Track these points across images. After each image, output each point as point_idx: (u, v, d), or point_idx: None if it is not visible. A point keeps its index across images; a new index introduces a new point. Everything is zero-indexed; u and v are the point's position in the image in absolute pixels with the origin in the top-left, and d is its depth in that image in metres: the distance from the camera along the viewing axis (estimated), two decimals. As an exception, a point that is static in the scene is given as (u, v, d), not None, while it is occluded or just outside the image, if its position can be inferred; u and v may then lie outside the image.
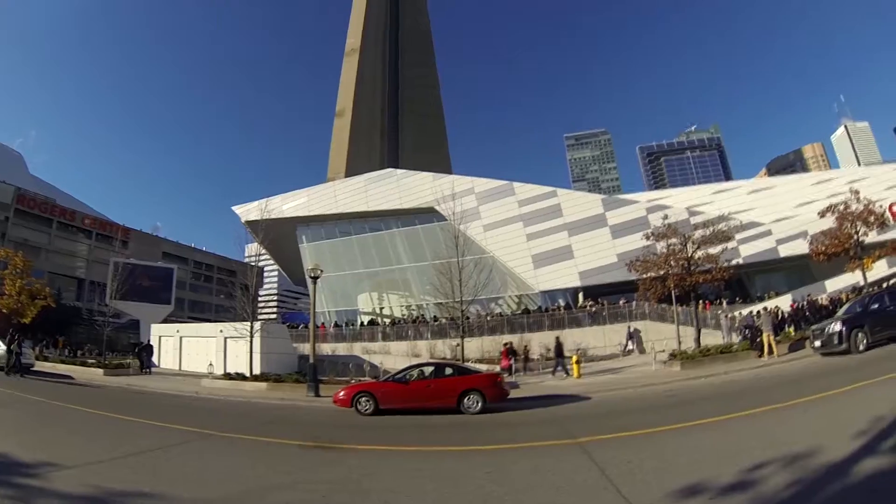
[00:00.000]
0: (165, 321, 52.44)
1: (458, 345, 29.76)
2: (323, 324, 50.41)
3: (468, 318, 32.87)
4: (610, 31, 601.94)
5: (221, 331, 36.03)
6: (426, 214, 48.85)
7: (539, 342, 37.92)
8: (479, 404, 16.25)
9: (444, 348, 33.85)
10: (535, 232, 48.30)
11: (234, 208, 55.89)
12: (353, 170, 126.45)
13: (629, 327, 37.35)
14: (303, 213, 55.09)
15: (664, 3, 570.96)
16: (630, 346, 36.51)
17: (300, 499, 7.20)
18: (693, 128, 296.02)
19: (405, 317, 50.36)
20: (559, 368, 28.62)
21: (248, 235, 44.94)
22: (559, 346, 29.94)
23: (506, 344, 30.79)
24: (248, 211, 51.38)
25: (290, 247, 56.89)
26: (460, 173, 55.68)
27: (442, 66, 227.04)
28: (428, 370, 18.39)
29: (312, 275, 27.36)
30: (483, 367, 27.59)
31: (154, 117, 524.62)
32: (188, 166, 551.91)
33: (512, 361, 30.48)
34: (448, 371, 18.22)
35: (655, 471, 7.48)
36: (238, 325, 30.59)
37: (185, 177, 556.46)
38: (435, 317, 45.41)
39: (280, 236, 50.12)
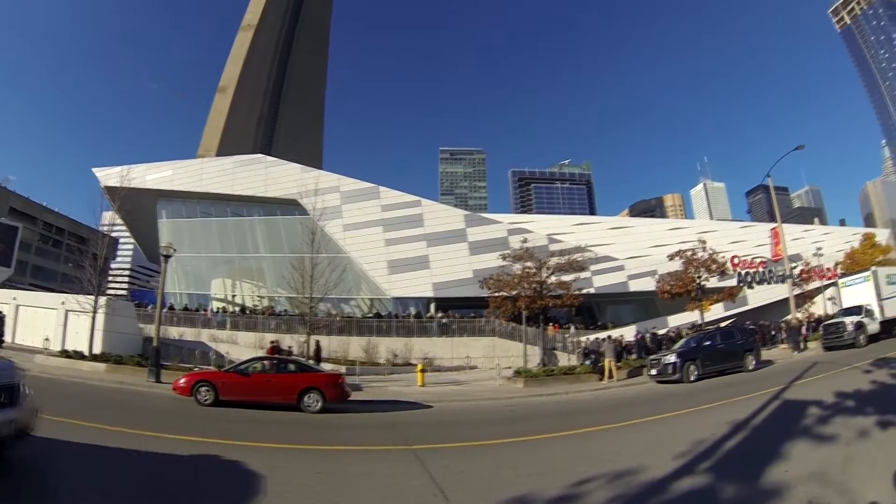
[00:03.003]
0: (2, 286, 48.04)
1: (305, 341, 29.13)
2: (173, 306, 47.97)
3: (317, 315, 32.42)
4: (506, 56, 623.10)
5: (64, 303, 33.19)
6: (289, 206, 47.85)
7: (387, 347, 38.10)
8: (319, 403, 16.17)
9: (291, 343, 33.12)
10: (394, 238, 48.30)
11: (94, 170, 51.80)
12: (224, 150, 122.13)
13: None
14: (166, 186, 52.07)
15: (559, 52, 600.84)
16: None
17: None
18: (567, 162, 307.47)
19: (256, 307, 48.97)
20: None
21: (106, 202, 42.20)
22: None
23: (273, 342, 29.49)
24: (109, 176, 47.57)
25: (149, 220, 53.84)
26: (331, 170, 54.70)
27: (332, 62, 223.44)
28: (270, 364, 18.09)
29: (165, 253, 26.24)
30: (328, 367, 27.33)
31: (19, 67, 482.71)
32: (50, 120, 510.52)
33: None
34: (290, 367, 18.07)
35: (485, 481, 7.68)
36: (82, 298, 28.26)
37: (46, 129, 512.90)
38: (285, 310, 44.52)
39: (139, 207, 47.63)
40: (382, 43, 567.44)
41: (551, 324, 41.56)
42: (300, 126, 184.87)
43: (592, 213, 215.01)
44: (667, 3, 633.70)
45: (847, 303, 34.35)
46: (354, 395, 19.03)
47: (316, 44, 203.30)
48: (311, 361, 25.49)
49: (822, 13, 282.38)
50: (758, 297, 55.53)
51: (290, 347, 30.40)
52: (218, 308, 48.54)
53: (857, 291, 34.09)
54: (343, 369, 28.79)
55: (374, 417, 16.00)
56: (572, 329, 43.78)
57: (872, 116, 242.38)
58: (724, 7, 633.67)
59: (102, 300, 29.62)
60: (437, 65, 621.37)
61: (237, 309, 49.35)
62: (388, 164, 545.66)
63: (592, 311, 51.92)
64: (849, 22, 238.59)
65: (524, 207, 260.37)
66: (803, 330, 35.71)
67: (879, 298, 31.86)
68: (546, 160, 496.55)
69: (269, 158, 54.27)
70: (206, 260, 53.08)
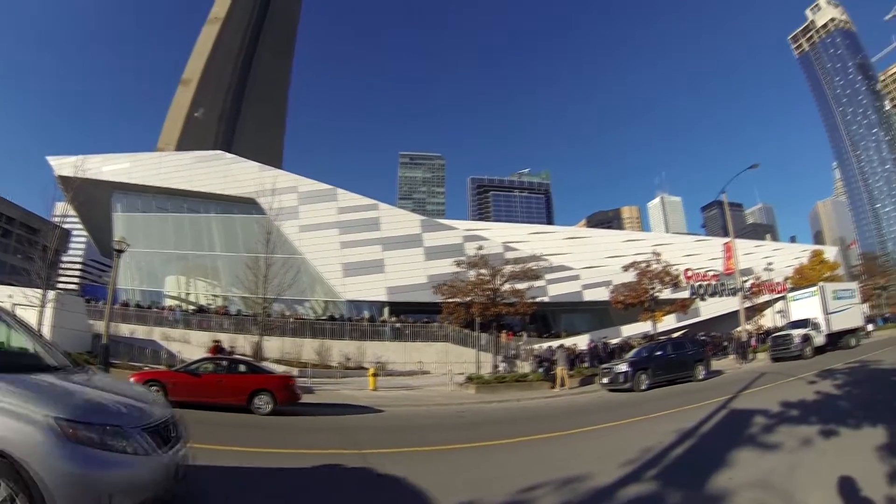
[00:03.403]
0: (-54, 277, 46.40)
1: (258, 342, 28.91)
2: (126, 302, 46.97)
3: (270, 315, 32.22)
4: (470, 64, 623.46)
5: (11, 296, 32.30)
6: (246, 205, 47.20)
7: (340, 350, 38.05)
8: (270, 406, 16.11)
9: (244, 344, 32.77)
10: (350, 241, 48.15)
11: (49, 158, 50.49)
12: (184, 144, 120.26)
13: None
14: (122, 178, 50.85)
15: (524, 63, 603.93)
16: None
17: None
18: (527, 171, 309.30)
19: (210, 306, 48.24)
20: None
21: (59, 192, 41.10)
22: None
23: (215, 341, 28.42)
24: (63, 165, 46.13)
25: (103, 213, 52.69)
26: (290, 171, 54.28)
27: (297, 61, 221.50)
28: (221, 364, 17.89)
29: (118, 247, 25.85)
30: (280, 369, 27.13)
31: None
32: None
33: None
34: (241, 368, 17.88)
35: (432, 487, 7.47)
36: (30, 291, 27.57)
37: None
38: (239, 310, 43.95)
39: (93, 199, 46.74)
40: (348, 44, 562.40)
41: (505, 331, 41.92)
42: (262, 124, 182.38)
43: (550, 222, 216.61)
44: (630, 24, 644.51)
45: (795, 316, 35.48)
46: (306, 398, 19.02)
47: (282, 41, 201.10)
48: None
49: (782, 39, 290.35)
50: (710, 309, 56.75)
51: (232, 347, 29.92)
52: (176, 306, 47.82)
53: (805, 305, 35.23)
54: (295, 371, 28.59)
55: (324, 421, 15.94)
56: (525, 337, 44.26)
57: (825, 139, 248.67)
58: (691, 27, 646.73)
59: (51, 294, 28.76)
60: (401, 69, 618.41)
61: (191, 308, 48.60)
62: (348, 167, 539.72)
63: (546, 319, 52.57)
64: (807, 49, 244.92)
65: (482, 215, 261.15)
66: (753, 341, 36.72)
67: (826, 312, 33.16)
68: (506, 168, 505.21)
69: (229, 155, 53.91)
70: (160, 256, 52.11)
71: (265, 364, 23.48)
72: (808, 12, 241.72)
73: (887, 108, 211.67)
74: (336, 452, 10.58)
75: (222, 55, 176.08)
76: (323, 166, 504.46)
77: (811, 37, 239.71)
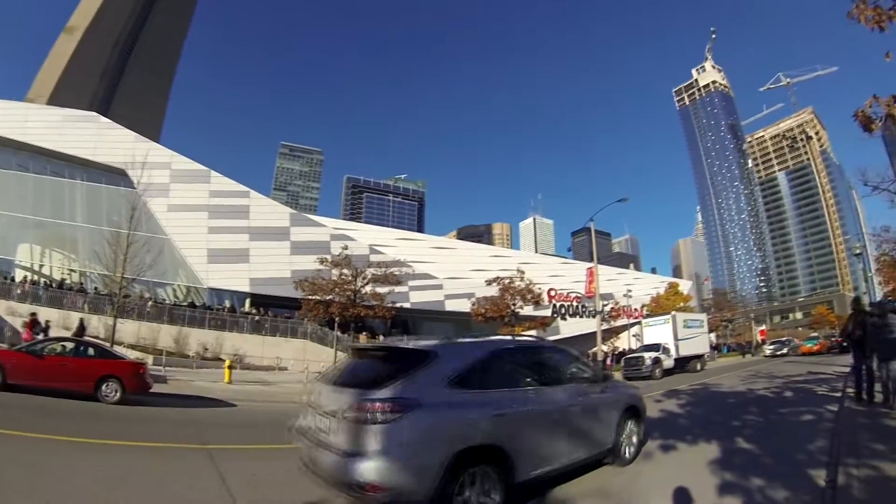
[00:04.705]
0: None
1: (112, 325, 27.35)
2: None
3: (128, 296, 31.02)
4: (363, 62, 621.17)
5: None
6: (116, 175, 45.17)
7: (198, 339, 37.05)
8: (118, 394, 15.32)
9: (98, 325, 31.29)
10: (218, 227, 47.13)
11: None
12: (58, 99, 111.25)
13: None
14: (-21, 126, 46.90)
15: (416, 67, 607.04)
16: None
17: None
18: (404, 177, 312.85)
19: (66, 281, 45.32)
20: None
21: None
22: None
23: (31, 314, 26.66)
24: None
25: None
26: (168, 146, 52.04)
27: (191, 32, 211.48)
28: (68, 346, 16.68)
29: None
30: (133, 355, 26.14)
31: None
32: None
33: (39, 336, 23.86)
34: (90, 351, 16.66)
35: (277, 486, 7.56)
36: None
37: None
38: (97, 288, 41.55)
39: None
40: (243, 24, 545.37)
41: (364, 333, 42.26)
42: (145, 91, 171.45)
43: (421, 231, 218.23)
44: (532, 39, 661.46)
45: (648, 340, 38.04)
46: (158, 388, 18.45)
47: (179, 6, 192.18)
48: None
49: (667, 90, 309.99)
50: (570, 327, 59.24)
51: (47, 322, 27.73)
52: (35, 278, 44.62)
53: (658, 331, 37.80)
54: (149, 359, 27.63)
55: (174, 413, 15.47)
56: (380, 340, 44.75)
57: (693, 185, 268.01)
58: (583, 62, 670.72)
59: None
60: (294, 58, 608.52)
61: (44, 281, 45.41)
62: (226, 148, 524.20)
63: (408, 325, 53.07)
64: (688, 103, 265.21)
65: (354, 215, 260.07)
66: (608, 361, 38.75)
67: (676, 339, 35.94)
68: (384, 171, 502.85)
69: (104, 119, 51.11)
70: (14, 220, 48.07)
71: (117, 349, 22.16)
72: (693, 71, 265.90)
73: (749, 166, 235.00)
74: (180, 447, 10.38)
75: (115, 7, 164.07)
76: (199, 143, 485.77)
77: (693, 94, 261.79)
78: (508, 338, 8.90)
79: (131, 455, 9.27)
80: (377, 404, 5.40)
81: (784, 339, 64.54)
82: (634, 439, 8.85)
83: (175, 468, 8.54)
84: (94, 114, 52.81)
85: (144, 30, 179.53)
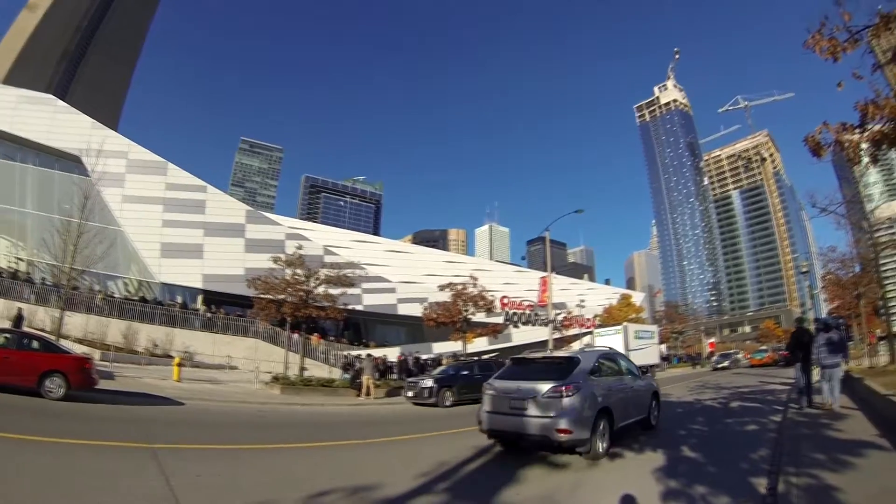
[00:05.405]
0: None
1: (59, 317, 26.55)
2: None
3: (77, 288, 30.35)
4: (326, 61, 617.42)
5: None
6: (69, 162, 44.16)
7: (148, 335, 36.45)
8: (63, 389, 14.94)
9: (45, 318, 30.47)
10: (172, 220, 46.47)
11: None
12: (15, 79, 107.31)
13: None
14: (-73, 101, 44.98)
15: (380, 69, 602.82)
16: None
17: None
18: (362, 178, 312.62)
19: (11, 269, 43.70)
20: None
21: None
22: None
23: None
24: None
25: None
26: (125, 135, 50.84)
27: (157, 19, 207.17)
28: (9, 338, 15.99)
29: None
30: (80, 349, 25.51)
31: None
32: None
33: None
34: (34, 344, 16.13)
35: (222, 488, 7.61)
36: None
37: None
38: (44, 279, 40.25)
39: None
40: (209, 15, 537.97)
41: (316, 334, 42.11)
42: (105, 77, 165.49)
43: (376, 233, 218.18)
44: (496, 48, 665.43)
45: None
46: (105, 385, 18.13)
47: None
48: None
49: (629, 106, 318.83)
50: (522, 336, 59.71)
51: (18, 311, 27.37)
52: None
53: (610, 341, 38.40)
54: (97, 354, 27.20)
55: (120, 410, 15.14)
56: (334, 342, 44.75)
57: (649, 200, 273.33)
58: (551, 76, 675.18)
59: None
60: (257, 53, 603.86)
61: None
62: (184, 140, 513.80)
63: (360, 327, 53.08)
64: (648, 119, 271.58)
65: (311, 215, 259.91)
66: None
67: (627, 349, 36.82)
68: (343, 172, 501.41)
69: (61, 103, 49.37)
70: None
71: (63, 343, 21.39)
72: (655, 89, 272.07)
73: (705, 183, 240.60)
74: (124, 446, 10.17)
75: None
76: (158, 134, 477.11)
77: (654, 110, 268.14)
78: (606, 348, 13.89)
79: (73, 453, 9.13)
80: (563, 388, 9.76)
81: (727, 352, 66.53)
82: (656, 411, 13.54)
83: (118, 467, 8.36)
84: (51, 97, 50.97)
85: (108, 14, 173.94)
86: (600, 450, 9.83)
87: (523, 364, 11.84)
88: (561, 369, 10.53)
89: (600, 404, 10.08)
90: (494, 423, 10.45)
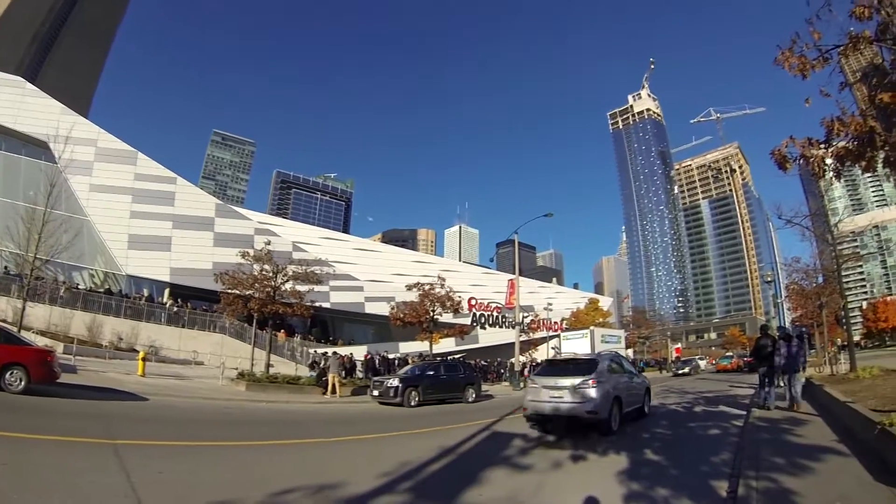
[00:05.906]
0: None
1: (21, 308, 26.16)
2: None
3: (40, 278, 29.82)
4: (302, 56, 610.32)
5: None
6: (37, 147, 43.25)
7: (112, 328, 35.84)
8: (23, 383, 14.64)
9: (7, 308, 29.92)
10: (141, 211, 45.92)
11: None
12: None
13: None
14: None
15: (362, 74, 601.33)
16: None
17: None
18: (333, 175, 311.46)
19: None
20: None
21: None
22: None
23: None
24: None
25: None
26: (96, 122, 49.89)
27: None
28: None
29: None
30: (42, 342, 24.96)
31: None
32: None
33: None
34: None
35: (184, 485, 7.55)
36: None
37: None
38: (7, 268, 39.30)
39: None
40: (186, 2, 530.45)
41: (283, 331, 41.91)
42: (79, 61, 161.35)
43: (346, 231, 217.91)
44: (471, 51, 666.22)
45: (566, 353, 38.71)
46: (68, 378, 17.82)
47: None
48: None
49: (602, 113, 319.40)
50: (489, 337, 60.13)
51: None
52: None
53: (576, 344, 38.96)
54: (60, 347, 26.59)
55: (82, 405, 14.89)
56: (297, 339, 44.52)
57: (619, 206, 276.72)
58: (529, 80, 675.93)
59: None
60: (233, 44, 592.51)
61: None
62: (156, 129, 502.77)
63: (327, 325, 52.96)
64: (621, 126, 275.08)
65: (281, 210, 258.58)
66: (526, 371, 39.40)
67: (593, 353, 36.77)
68: (314, 168, 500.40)
69: (30, 86, 48.41)
70: None
71: (25, 335, 20.91)
72: (630, 97, 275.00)
73: (675, 191, 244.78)
74: (86, 441, 10.02)
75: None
76: (129, 123, 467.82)
77: (627, 118, 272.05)
78: (616, 351, 16.81)
79: (33, 449, 8.96)
80: (590, 381, 13.14)
81: (688, 358, 67.43)
82: (648, 402, 17.56)
83: (79, 464, 8.17)
84: (20, 79, 49.75)
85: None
86: (614, 427, 13.31)
87: (556, 365, 16.11)
88: (586, 368, 13.82)
89: (613, 394, 13.59)
90: (537, 408, 13.76)
